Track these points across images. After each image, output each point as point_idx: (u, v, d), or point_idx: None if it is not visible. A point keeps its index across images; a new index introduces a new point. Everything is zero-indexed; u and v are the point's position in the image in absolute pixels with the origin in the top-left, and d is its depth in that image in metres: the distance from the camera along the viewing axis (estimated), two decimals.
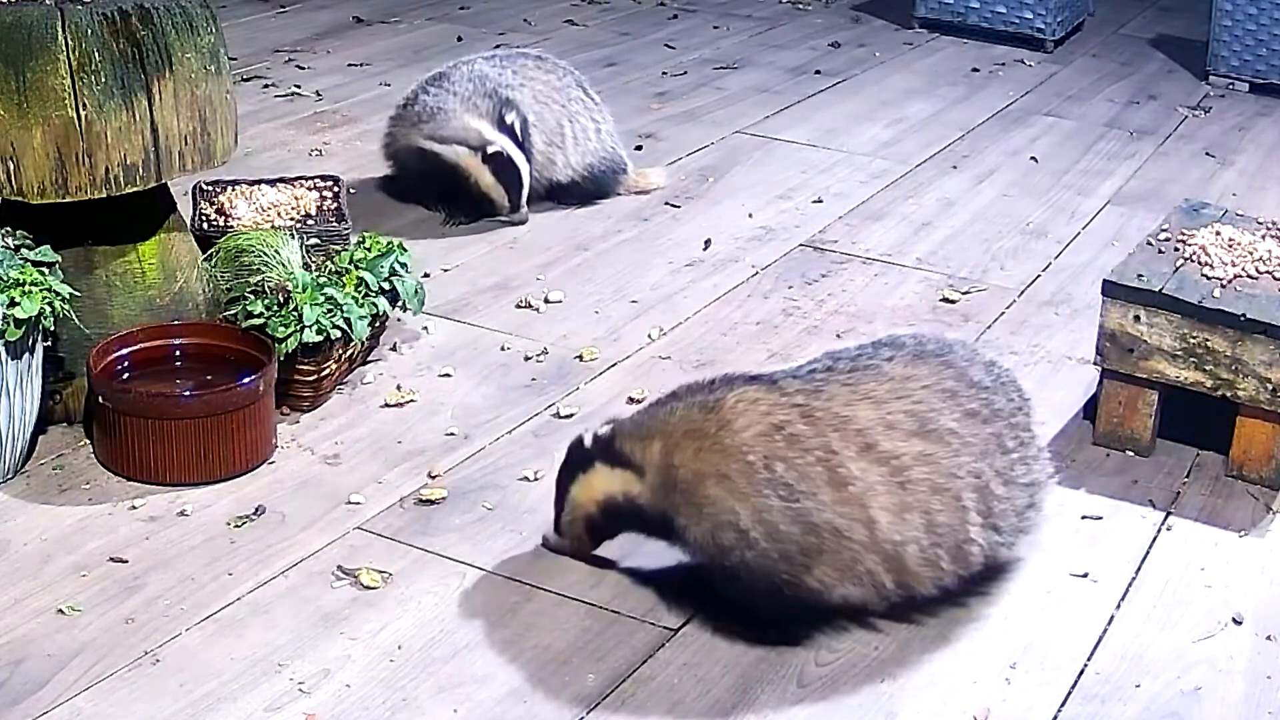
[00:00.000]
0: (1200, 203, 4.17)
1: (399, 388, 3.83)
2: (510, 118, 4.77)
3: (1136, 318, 3.56)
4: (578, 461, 3.05)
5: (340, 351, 3.69)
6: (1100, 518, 3.43)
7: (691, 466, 2.89)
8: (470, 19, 7.24)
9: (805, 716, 2.80)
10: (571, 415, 3.71)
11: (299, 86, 6.08)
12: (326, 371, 3.66)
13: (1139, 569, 3.26)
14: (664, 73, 6.57)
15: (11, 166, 3.32)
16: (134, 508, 3.30)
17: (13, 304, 3.19)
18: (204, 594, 3.04)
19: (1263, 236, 3.84)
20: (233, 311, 3.60)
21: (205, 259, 3.78)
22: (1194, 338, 3.51)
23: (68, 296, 3.32)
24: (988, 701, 2.85)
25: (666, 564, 3.11)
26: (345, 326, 3.59)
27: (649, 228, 4.93)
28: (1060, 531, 3.34)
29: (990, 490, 2.96)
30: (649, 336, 4.18)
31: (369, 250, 3.80)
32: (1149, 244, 3.82)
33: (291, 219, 4.17)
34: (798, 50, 7.06)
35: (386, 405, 3.76)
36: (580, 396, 3.85)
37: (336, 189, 4.38)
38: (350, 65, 6.41)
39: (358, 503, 3.36)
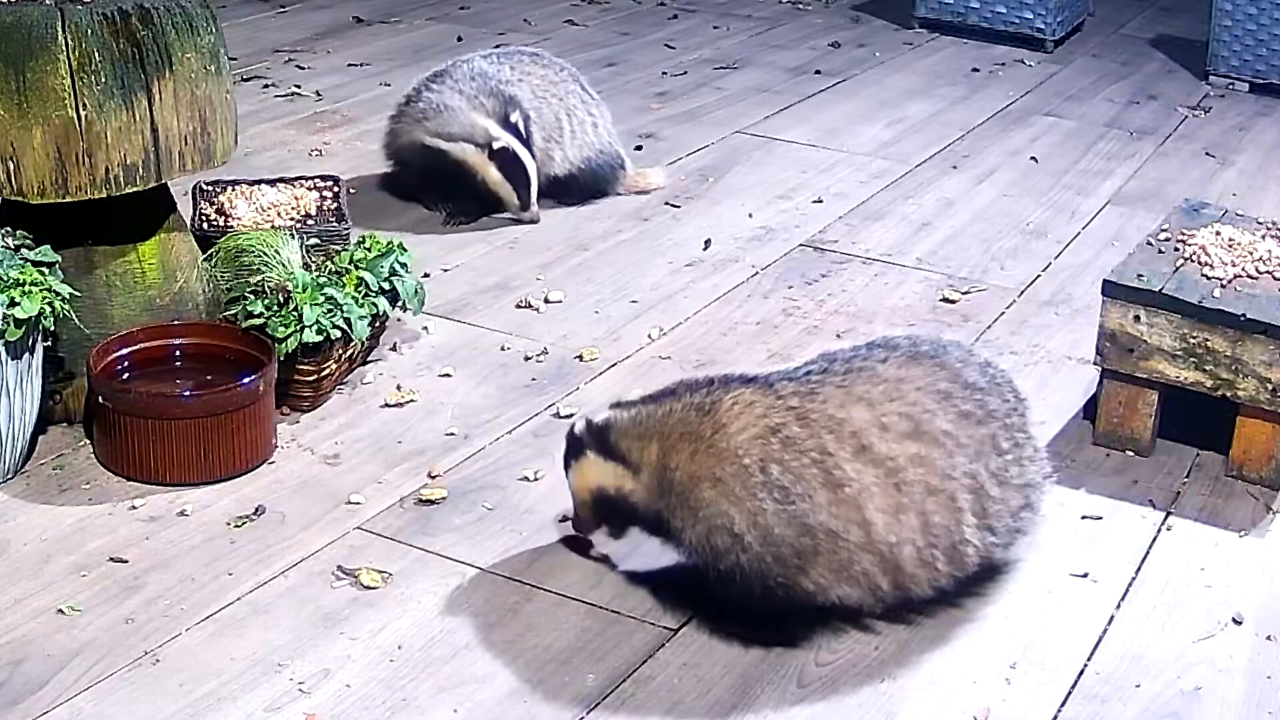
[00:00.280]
0: (1200, 203, 4.17)
1: (399, 388, 3.83)
2: (515, 116, 4.77)
3: (1136, 318, 3.56)
4: (571, 449, 3.08)
5: (340, 351, 3.69)
6: (1100, 518, 3.43)
7: (687, 469, 2.89)
8: (470, 19, 7.24)
9: (805, 716, 2.80)
10: (571, 415, 3.71)
11: (299, 86, 6.08)
12: (326, 371, 3.66)
13: (1139, 569, 3.26)
14: (664, 73, 6.57)
15: (11, 166, 3.32)
16: (134, 508, 3.30)
17: (13, 304, 3.19)
18: (204, 594, 3.04)
19: (1263, 236, 3.84)
20: (233, 311, 3.60)
21: (205, 259, 3.78)
22: (1194, 338, 3.51)
23: (68, 296, 3.32)
24: (988, 701, 2.85)
25: (666, 564, 3.11)
26: (345, 326, 3.59)
27: (649, 228, 4.93)
28: (1060, 531, 3.34)
29: (985, 492, 2.96)
30: (649, 336, 4.18)
31: (369, 250, 3.81)
32: (1149, 244, 3.82)
33: (291, 219, 4.17)
34: (798, 50, 7.06)
35: (386, 405, 3.76)
36: (580, 396, 3.85)
37: (336, 189, 4.38)
38: (350, 65, 6.41)
39: (358, 503, 3.36)
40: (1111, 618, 3.11)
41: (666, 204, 5.12)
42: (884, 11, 7.71)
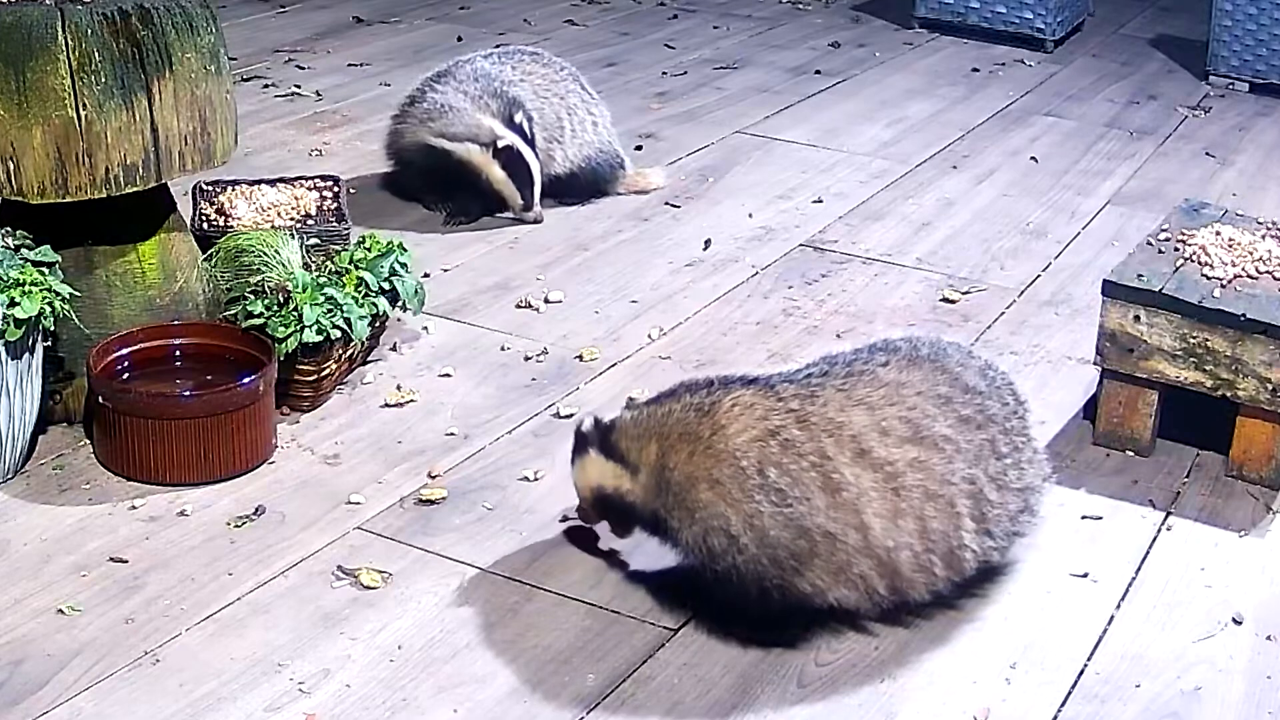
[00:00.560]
0: (1200, 203, 4.17)
1: (399, 388, 3.83)
2: (518, 117, 4.78)
3: (1136, 318, 3.56)
4: (577, 445, 3.09)
5: (340, 351, 3.69)
6: (1100, 518, 3.43)
7: (684, 470, 2.90)
8: (470, 19, 7.24)
9: (805, 716, 2.80)
10: (571, 415, 3.71)
11: (299, 86, 6.08)
12: (326, 371, 3.66)
13: (1139, 569, 3.26)
14: (664, 73, 6.57)
15: (11, 166, 3.32)
16: (134, 508, 3.30)
17: (13, 304, 3.19)
18: (204, 594, 3.04)
19: (1263, 236, 3.84)
20: (233, 311, 3.60)
21: (205, 259, 3.78)
22: (1194, 338, 3.51)
23: (68, 296, 3.32)
24: (988, 701, 2.85)
25: (666, 564, 3.11)
26: (345, 326, 3.59)
27: (649, 228, 4.93)
28: (1060, 532, 3.34)
29: (984, 496, 2.96)
30: (649, 336, 4.18)
31: (369, 250, 3.81)
32: (1149, 244, 3.82)
33: (291, 219, 4.17)
34: (798, 50, 7.06)
35: (386, 405, 3.76)
36: (580, 396, 3.85)
37: (336, 189, 4.38)
38: (350, 65, 6.41)
39: (358, 503, 3.36)
40: (1111, 618, 3.11)
41: (666, 204, 5.12)
42: (884, 11, 7.71)
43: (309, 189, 4.37)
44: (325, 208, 4.27)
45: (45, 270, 3.31)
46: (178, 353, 3.60)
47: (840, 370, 3.01)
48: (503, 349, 4.07)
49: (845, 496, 2.85)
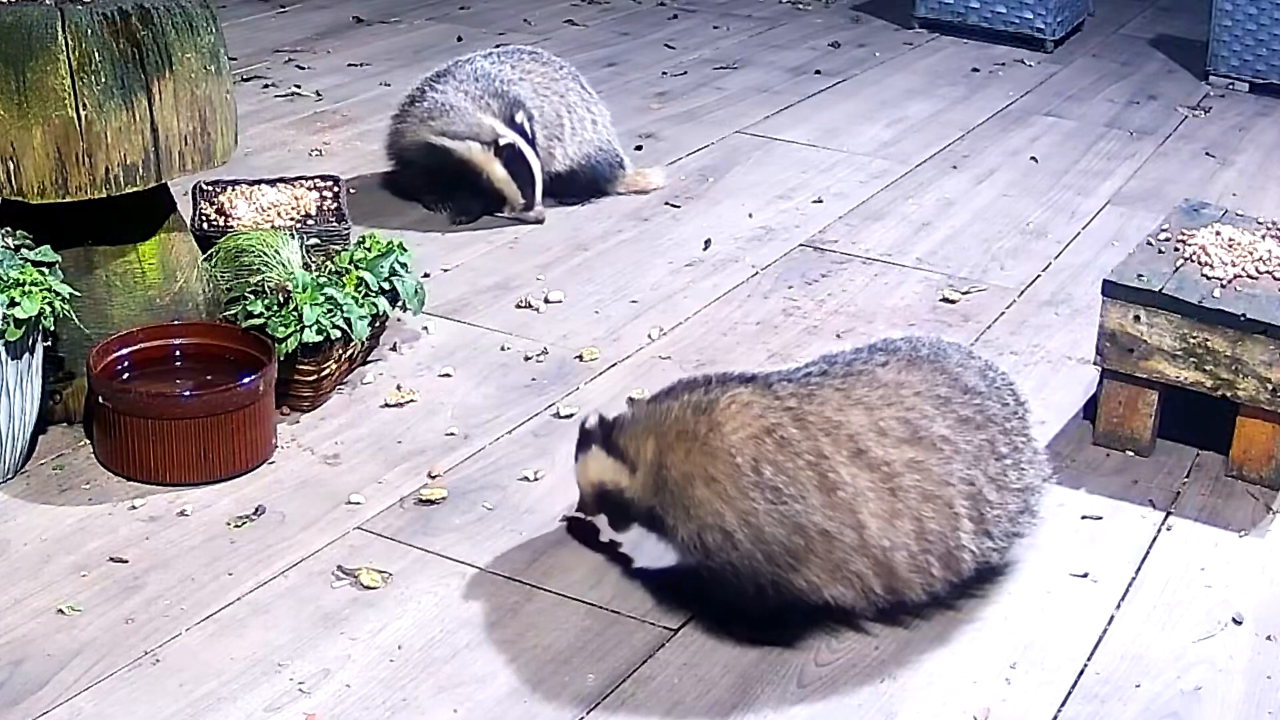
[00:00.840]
0: (1200, 203, 4.17)
1: (399, 388, 3.83)
2: (519, 117, 4.78)
3: (1136, 318, 3.56)
4: (581, 442, 3.11)
5: (340, 351, 3.69)
6: (1100, 518, 3.43)
7: (681, 468, 2.90)
8: (470, 19, 7.24)
9: (805, 716, 2.80)
10: (571, 415, 3.71)
11: (299, 86, 6.08)
12: (326, 371, 3.66)
13: (1139, 569, 3.26)
14: (664, 73, 6.57)
15: (11, 166, 3.32)
16: (134, 508, 3.30)
17: (13, 304, 3.19)
18: (204, 594, 3.04)
19: (1263, 236, 3.84)
20: (233, 311, 3.60)
21: (205, 259, 3.78)
22: (1194, 338, 3.51)
23: (68, 296, 3.32)
24: (988, 701, 2.85)
25: (667, 564, 3.11)
26: (345, 326, 3.59)
27: (649, 228, 4.93)
28: (1060, 532, 3.34)
29: (983, 496, 2.96)
30: (649, 336, 4.18)
31: (369, 250, 3.81)
32: (1149, 244, 3.82)
33: (291, 219, 4.17)
34: (798, 50, 7.06)
35: (386, 405, 3.76)
36: (580, 396, 3.85)
37: (336, 189, 4.38)
38: (350, 65, 6.41)
39: (358, 503, 3.36)
40: (1111, 618, 3.11)
41: (666, 204, 5.12)
42: (884, 11, 7.71)
43: (309, 189, 4.37)
44: (325, 208, 4.27)
45: (45, 270, 3.31)
46: (178, 353, 3.60)
47: (839, 370, 3.01)
48: (503, 349, 4.07)
49: (841, 495, 2.85)
